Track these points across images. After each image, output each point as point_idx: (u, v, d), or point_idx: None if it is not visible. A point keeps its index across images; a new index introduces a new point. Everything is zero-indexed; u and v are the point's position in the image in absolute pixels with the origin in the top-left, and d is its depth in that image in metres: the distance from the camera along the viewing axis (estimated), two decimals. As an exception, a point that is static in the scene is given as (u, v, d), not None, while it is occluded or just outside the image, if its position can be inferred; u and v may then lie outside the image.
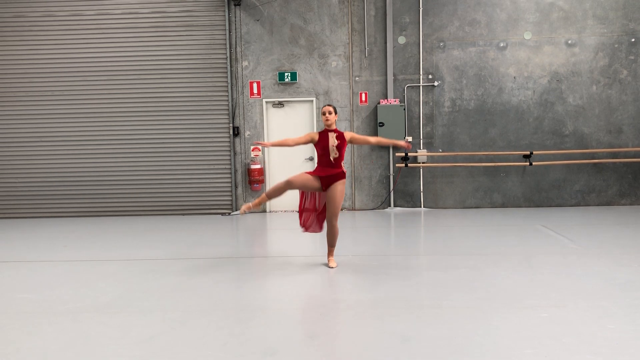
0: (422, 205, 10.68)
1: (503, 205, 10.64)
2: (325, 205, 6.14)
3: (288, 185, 6.02)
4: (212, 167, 10.77)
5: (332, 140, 6.01)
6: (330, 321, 4.34)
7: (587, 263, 6.03)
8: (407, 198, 10.71)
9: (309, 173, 6.06)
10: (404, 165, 10.42)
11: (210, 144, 10.73)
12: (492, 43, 10.43)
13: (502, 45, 10.42)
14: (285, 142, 6.18)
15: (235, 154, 10.72)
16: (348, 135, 6.10)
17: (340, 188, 6.00)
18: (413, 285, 5.38)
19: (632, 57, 10.29)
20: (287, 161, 10.74)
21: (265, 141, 6.24)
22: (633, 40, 10.25)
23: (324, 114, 6.07)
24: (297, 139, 6.17)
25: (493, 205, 10.65)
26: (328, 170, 6.00)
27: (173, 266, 6.36)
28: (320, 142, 6.05)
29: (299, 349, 3.77)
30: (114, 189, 10.82)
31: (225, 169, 10.76)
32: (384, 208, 10.72)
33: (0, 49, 10.74)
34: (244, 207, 6.16)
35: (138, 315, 4.57)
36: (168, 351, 3.78)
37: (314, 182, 6.00)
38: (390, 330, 4.07)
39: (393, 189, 10.64)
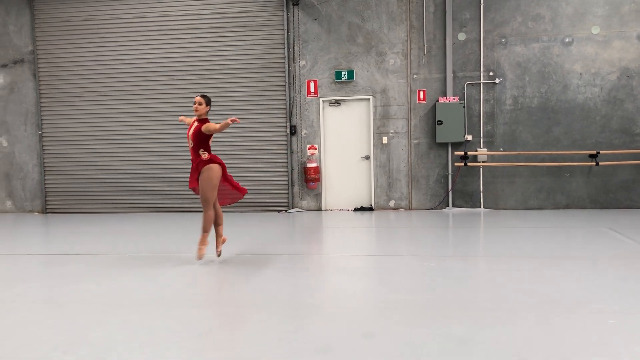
0: (481, 206, 10.43)
1: (567, 206, 10.25)
2: (224, 189, 6.58)
3: None
4: (269, 165, 10.90)
5: (191, 130, 6.27)
6: (386, 321, 4.30)
7: (658, 268, 5.72)
8: (466, 198, 10.49)
9: None
10: (463, 164, 10.20)
11: (268, 143, 10.87)
12: (556, 38, 10.06)
13: (567, 40, 10.04)
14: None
15: (292, 152, 10.81)
16: (204, 125, 6.15)
17: (204, 175, 6.23)
18: (471, 287, 5.26)
19: None
20: (343, 160, 10.75)
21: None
22: None
23: (194, 103, 6.24)
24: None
25: (556, 206, 10.27)
26: (193, 159, 6.30)
27: (231, 262, 6.48)
28: (188, 132, 6.38)
29: (354, 347, 3.76)
30: (173, 186, 11.11)
31: (282, 167, 10.87)
32: (441, 208, 10.54)
33: (71, 51, 11.26)
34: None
35: (197, 310, 4.68)
36: (224, 345, 3.85)
37: (194, 172, 6.34)
38: (447, 332, 3.99)
39: (452, 188, 10.45)
